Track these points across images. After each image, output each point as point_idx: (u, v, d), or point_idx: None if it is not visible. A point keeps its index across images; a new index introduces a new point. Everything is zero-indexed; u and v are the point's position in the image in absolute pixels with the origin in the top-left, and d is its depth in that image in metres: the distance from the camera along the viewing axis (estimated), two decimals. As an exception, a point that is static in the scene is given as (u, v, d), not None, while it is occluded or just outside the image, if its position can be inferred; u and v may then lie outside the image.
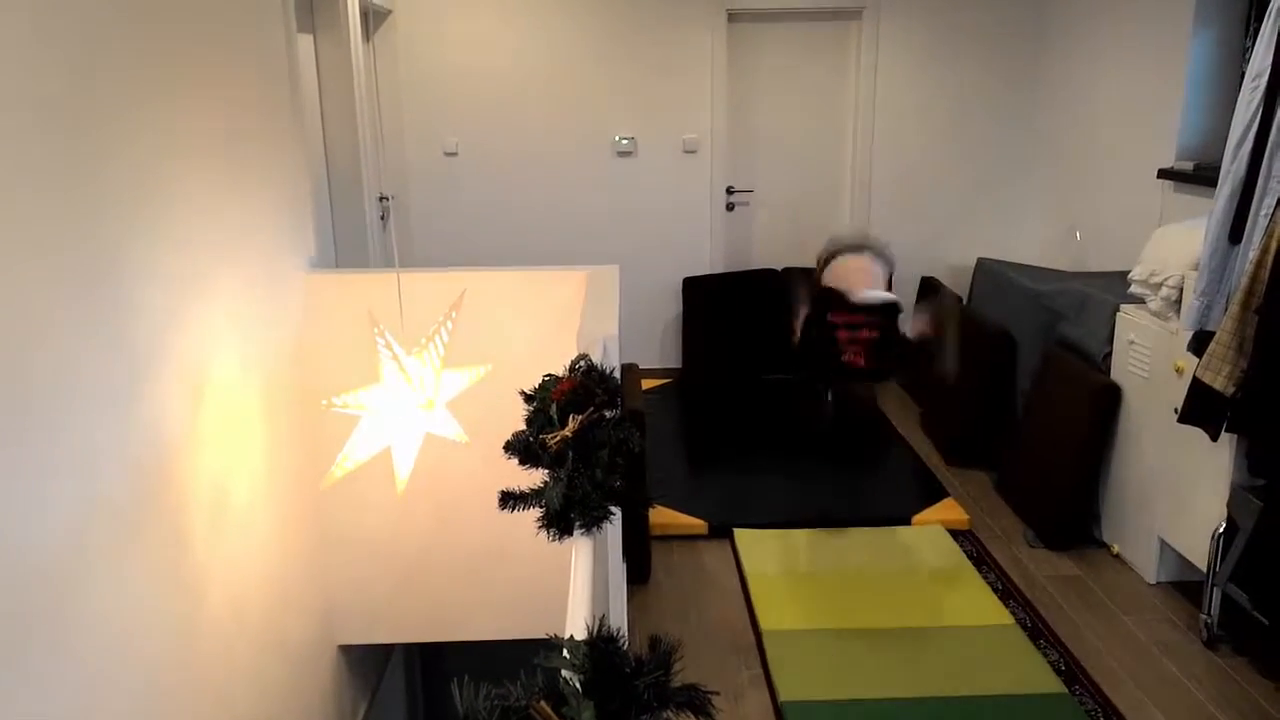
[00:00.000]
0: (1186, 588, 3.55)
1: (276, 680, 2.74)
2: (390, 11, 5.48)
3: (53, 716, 1.63)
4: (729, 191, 5.99)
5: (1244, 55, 4.08)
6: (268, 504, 2.68)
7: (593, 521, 1.56)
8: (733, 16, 5.72)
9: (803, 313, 3.93)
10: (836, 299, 3.85)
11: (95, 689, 1.76)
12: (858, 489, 4.54)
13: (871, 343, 3.77)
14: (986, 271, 5.17)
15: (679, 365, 6.08)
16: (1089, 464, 3.83)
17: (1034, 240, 5.69)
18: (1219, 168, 3.05)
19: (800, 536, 4.05)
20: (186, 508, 2.16)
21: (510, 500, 1.65)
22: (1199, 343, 3.07)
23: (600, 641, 1.05)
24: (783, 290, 4.75)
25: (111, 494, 1.83)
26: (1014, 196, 5.90)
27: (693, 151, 5.87)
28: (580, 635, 1.08)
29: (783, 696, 3.01)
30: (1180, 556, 3.47)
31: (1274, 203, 2.85)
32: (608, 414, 1.79)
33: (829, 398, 4.76)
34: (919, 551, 3.92)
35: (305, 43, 4.16)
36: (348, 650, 3.38)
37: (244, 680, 2.49)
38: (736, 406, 5.60)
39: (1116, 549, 3.82)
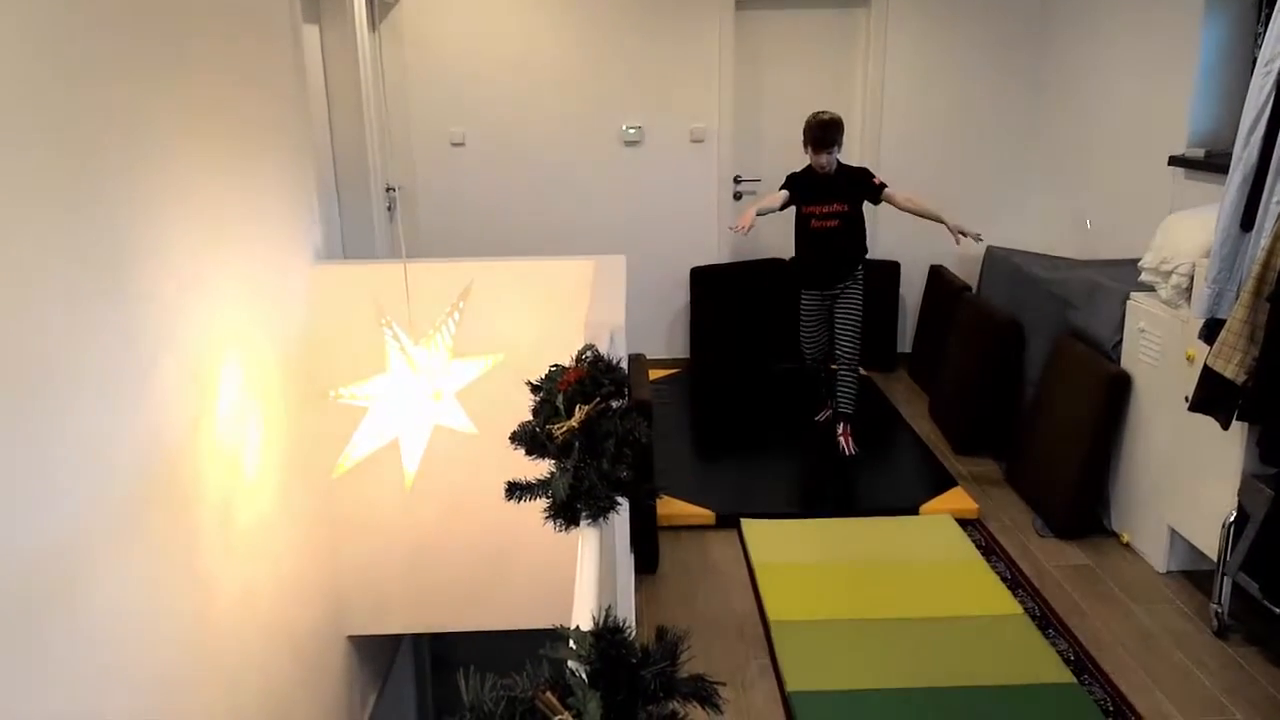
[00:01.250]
0: (1197, 577, 3.54)
1: (286, 670, 2.75)
2: (396, 1, 5.47)
3: (65, 707, 1.64)
4: (736, 181, 5.97)
5: (1256, 41, 4.04)
6: (276, 495, 2.68)
7: (599, 512, 1.56)
8: (740, 4, 5.69)
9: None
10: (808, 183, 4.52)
11: (106, 680, 1.77)
12: (865, 478, 4.53)
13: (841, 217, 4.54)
14: (996, 260, 5.15)
15: (686, 355, 6.07)
16: (1099, 453, 3.81)
17: (1043, 228, 5.66)
18: (1230, 155, 3.02)
19: (808, 526, 4.04)
20: (195, 499, 2.17)
21: (516, 491, 1.64)
22: (1210, 331, 3.05)
23: (607, 632, 1.05)
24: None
25: (119, 486, 1.83)
26: (1023, 184, 5.87)
27: (700, 141, 5.85)
28: (587, 625, 1.08)
29: (790, 686, 3.01)
30: (1190, 545, 3.46)
31: (1286, 190, 2.83)
32: (614, 404, 1.79)
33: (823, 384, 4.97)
34: (927, 541, 3.91)
35: (311, 33, 4.16)
36: (357, 640, 3.39)
37: (254, 671, 2.50)
38: (744, 396, 5.59)
39: (1126, 538, 3.81)
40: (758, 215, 4.41)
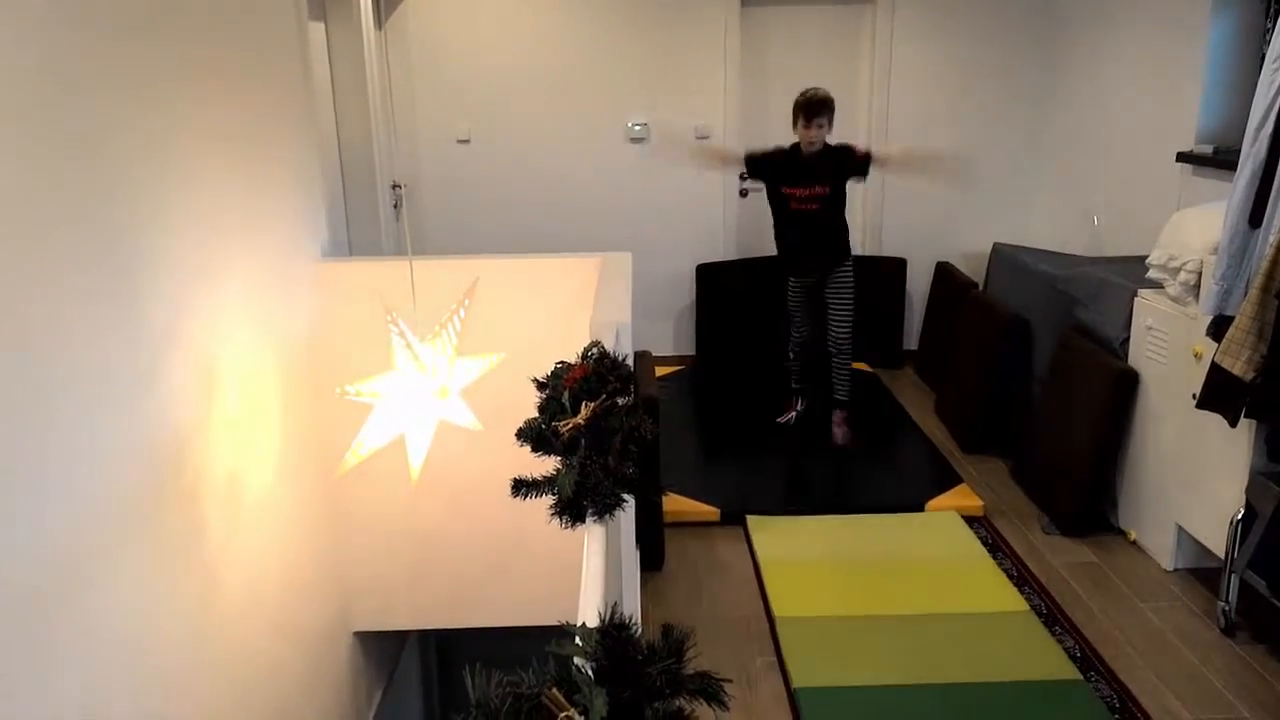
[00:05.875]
0: (1204, 575, 3.53)
1: (292, 667, 2.76)
2: (402, -2, 5.47)
3: (71, 703, 1.64)
4: (742, 178, 5.96)
5: (1264, 37, 4.02)
6: (282, 492, 2.69)
7: (605, 509, 1.55)
8: (746, 1, 5.68)
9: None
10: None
11: (112, 676, 1.77)
12: (871, 475, 4.52)
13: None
14: (1002, 257, 5.14)
15: (692, 352, 6.07)
16: (1106, 450, 3.80)
17: (1051, 225, 5.64)
18: (1239, 151, 3.01)
19: (813, 523, 4.04)
20: (201, 496, 2.17)
21: (522, 488, 1.64)
22: (1218, 328, 3.04)
23: (612, 629, 1.04)
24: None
25: (126, 482, 1.84)
26: (1030, 181, 5.85)
27: (706, 137, 5.84)
28: (593, 622, 1.07)
29: (796, 683, 3.01)
30: (1198, 543, 3.45)
31: (1295, 186, 2.82)
32: (620, 401, 1.78)
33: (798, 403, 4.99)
34: (933, 538, 3.90)
35: (317, 30, 4.16)
36: (363, 636, 3.40)
37: (260, 667, 2.50)
38: (750, 393, 5.58)
39: (1133, 536, 3.80)
40: (693, 158, 4.44)
